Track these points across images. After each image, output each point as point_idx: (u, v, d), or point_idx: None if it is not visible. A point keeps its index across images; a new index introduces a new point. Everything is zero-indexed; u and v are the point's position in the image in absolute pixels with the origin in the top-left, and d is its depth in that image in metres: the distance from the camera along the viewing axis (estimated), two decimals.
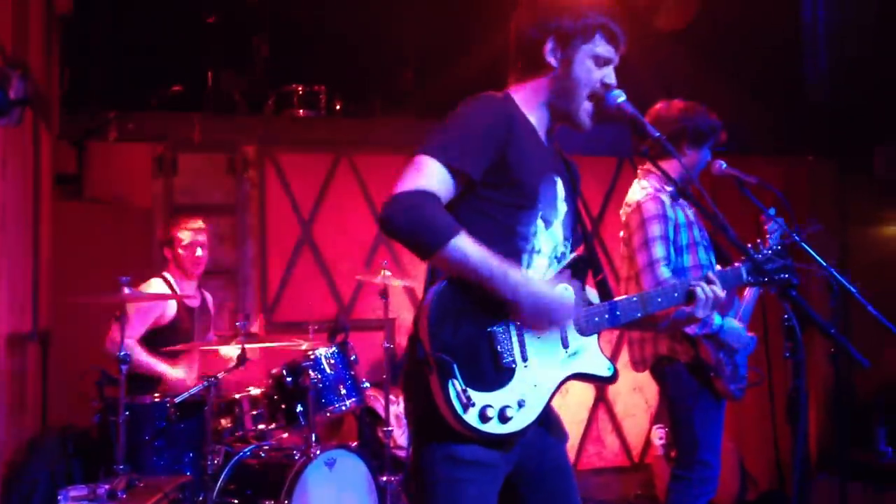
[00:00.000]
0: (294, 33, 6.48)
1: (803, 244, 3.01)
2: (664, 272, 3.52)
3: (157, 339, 4.55)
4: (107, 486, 3.59)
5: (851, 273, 3.56)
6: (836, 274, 2.96)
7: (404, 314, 5.86)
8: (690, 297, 2.37)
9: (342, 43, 6.34)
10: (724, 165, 3.73)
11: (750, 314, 3.88)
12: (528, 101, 2.33)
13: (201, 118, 5.82)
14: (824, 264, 2.93)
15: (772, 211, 3.54)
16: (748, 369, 3.76)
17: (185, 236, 4.71)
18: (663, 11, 6.28)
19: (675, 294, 2.38)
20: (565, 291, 2.26)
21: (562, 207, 2.35)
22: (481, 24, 5.56)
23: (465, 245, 2.04)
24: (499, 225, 2.21)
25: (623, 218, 3.74)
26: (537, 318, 2.10)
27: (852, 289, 2.91)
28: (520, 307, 2.08)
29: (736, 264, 2.53)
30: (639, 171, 3.82)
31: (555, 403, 2.32)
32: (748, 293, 3.89)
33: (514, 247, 2.22)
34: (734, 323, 3.68)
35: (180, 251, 4.69)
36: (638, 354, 3.82)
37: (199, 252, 4.73)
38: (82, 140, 5.27)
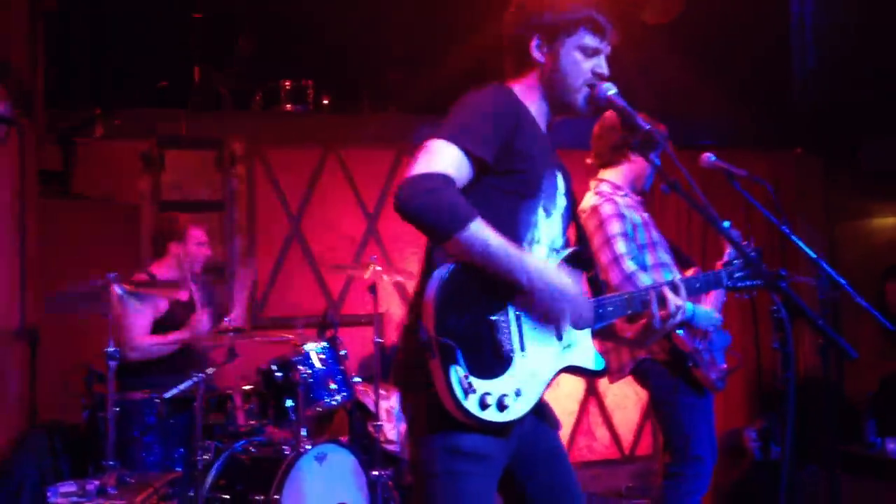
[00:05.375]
0: (281, 28, 6.46)
1: (792, 237, 3.01)
2: (630, 265, 3.53)
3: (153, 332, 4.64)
4: (96, 482, 3.58)
5: (838, 265, 3.59)
6: (824, 265, 2.97)
7: (394, 309, 5.85)
8: (661, 300, 2.33)
9: (330, 38, 6.32)
10: (714, 158, 3.74)
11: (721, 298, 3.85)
12: (526, 95, 2.36)
13: (188, 114, 5.80)
14: (814, 256, 2.93)
15: (727, 224, 3.53)
16: (725, 354, 3.76)
17: (198, 234, 4.83)
18: (651, 7, 6.30)
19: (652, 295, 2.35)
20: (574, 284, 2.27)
21: (561, 201, 2.37)
22: (469, 20, 5.57)
23: (484, 230, 2.04)
24: (501, 212, 2.20)
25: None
26: (551, 306, 2.09)
27: (841, 280, 2.91)
28: (535, 294, 2.07)
29: (717, 268, 2.56)
30: (591, 182, 3.84)
31: (545, 396, 2.32)
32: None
33: (515, 235, 2.21)
34: (702, 307, 3.65)
35: (192, 248, 4.79)
36: (615, 363, 3.77)
37: (206, 251, 4.87)
38: (68, 137, 5.23)
